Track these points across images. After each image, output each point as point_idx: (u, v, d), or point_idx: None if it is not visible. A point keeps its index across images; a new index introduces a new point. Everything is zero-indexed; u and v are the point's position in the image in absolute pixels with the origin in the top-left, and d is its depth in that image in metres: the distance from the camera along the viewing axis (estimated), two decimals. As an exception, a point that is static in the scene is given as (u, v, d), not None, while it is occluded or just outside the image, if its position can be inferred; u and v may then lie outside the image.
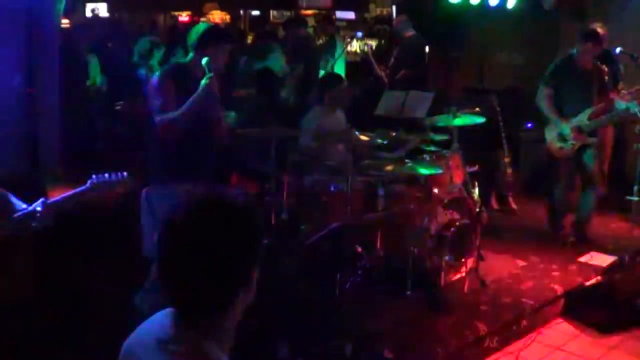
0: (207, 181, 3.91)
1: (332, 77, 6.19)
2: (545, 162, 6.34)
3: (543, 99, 5.90)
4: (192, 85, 3.92)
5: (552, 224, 6.21)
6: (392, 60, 8.34)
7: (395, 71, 8.17)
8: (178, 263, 1.51)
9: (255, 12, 15.05)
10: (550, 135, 5.94)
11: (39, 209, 2.98)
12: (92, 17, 10.75)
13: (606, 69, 5.93)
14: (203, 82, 3.89)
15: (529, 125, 7.51)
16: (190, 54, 4.08)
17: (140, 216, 4.16)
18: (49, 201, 3.03)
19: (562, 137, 5.85)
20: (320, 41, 9.55)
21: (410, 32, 8.14)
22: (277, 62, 7.91)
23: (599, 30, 6.07)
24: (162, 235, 1.53)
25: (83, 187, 3.11)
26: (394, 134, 5.33)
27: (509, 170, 6.68)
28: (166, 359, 1.52)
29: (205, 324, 1.54)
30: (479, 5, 7.98)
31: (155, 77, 4.10)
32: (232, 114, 4.85)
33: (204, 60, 3.91)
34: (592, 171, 5.92)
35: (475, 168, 5.75)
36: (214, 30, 4.16)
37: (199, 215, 1.53)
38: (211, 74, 3.90)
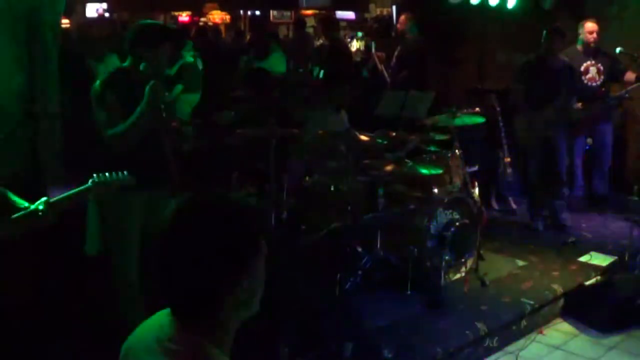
0: (165, 190, 3.73)
1: (335, 77, 6.19)
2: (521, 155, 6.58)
3: (515, 93, 6.39)
4: (137, 90, 3.58)
5: (530, 213, 6.49)
6: (394, 60, 8.32)
7: (396, 71, 8.15)
8: (170, 261, 1.51)
9: (256, 12, 15.09)
10: (519, 124, 6.31)
11: (41, 207, 2.97)
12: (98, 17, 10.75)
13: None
14: (147, 90, 3.54)
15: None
16: (129, 58, 3.71)
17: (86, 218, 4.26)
18: (51, 200, 3.02)
19: (530, 127, 6.19)
20: (321, 41, 9.54)
21: (413, 33, 8.11)
22: (278, 62, 7.91)
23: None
24: (155, 234, 1.53)
25: (84, 186, 3.10)
26: (394, 134, 5.33)
27: (509, 171, 6.68)
28: (166, 359, 1.52)
29: (204, 323, 1.53)
30: (479, 5, 7.97)
31: (94, 88, 3.64)
32: (231, 113, 4.85)
33: (142, 66, 3.60)
34: (559, 169, 6.31)
35: (475, 168, 5.75)
36: (146, 30, 3.71)
37: (188, 214, 1.53)
38: (153, 82, 3.55)
